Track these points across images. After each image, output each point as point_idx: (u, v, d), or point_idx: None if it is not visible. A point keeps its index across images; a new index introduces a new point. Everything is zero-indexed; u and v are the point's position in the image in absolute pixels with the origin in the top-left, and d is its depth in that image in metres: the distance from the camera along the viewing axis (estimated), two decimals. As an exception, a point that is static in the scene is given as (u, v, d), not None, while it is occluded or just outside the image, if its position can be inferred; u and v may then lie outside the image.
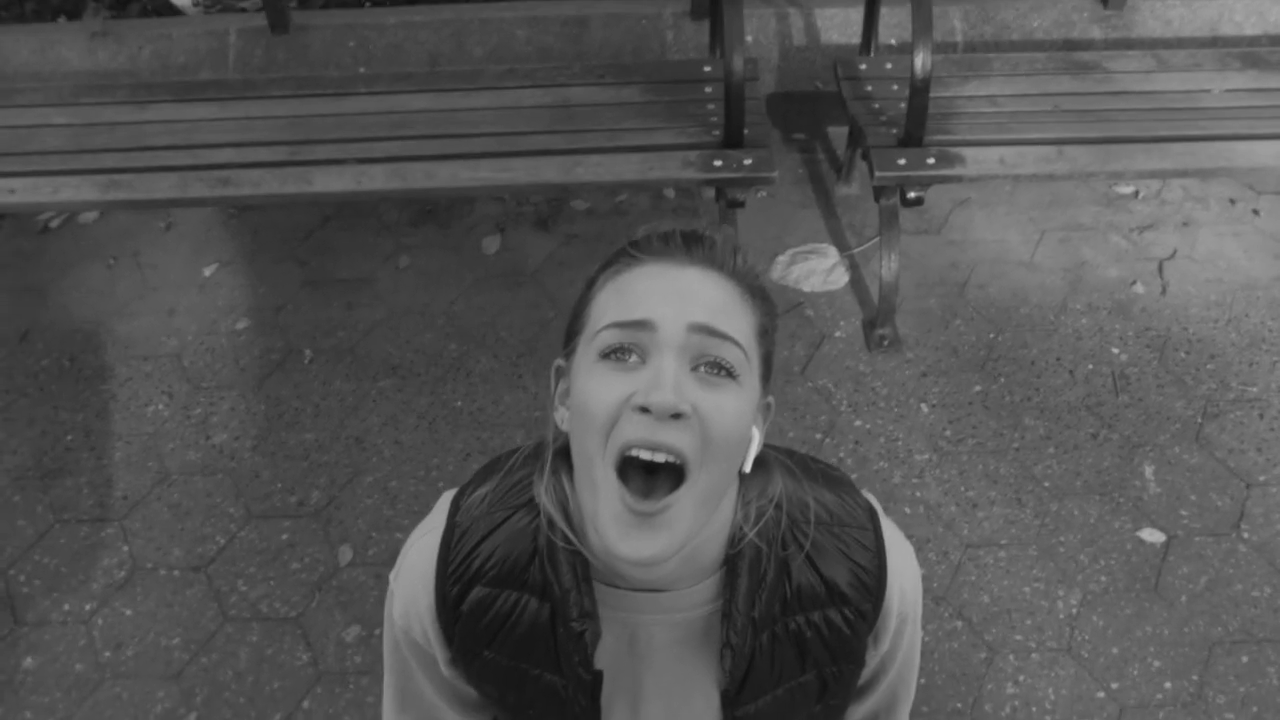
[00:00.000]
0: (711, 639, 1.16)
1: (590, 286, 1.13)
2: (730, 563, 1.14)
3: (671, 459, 1.00)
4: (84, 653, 2.58)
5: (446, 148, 3.09)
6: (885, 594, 1.20)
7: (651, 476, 1.02)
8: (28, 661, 2.57)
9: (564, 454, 1.13)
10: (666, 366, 1.01)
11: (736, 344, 1.05)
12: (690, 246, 1.09)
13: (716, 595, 1.15)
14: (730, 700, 1.16)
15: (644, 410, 1.00)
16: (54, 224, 3.72)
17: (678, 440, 1.00)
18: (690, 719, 1.20)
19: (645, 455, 1.00)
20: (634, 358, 1.03)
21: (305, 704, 2.48)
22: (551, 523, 1.12)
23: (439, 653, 1.21)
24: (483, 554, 1.15)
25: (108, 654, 2.58)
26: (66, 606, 2.67)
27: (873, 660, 1.25)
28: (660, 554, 1.01)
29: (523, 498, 1.16)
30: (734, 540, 1.14)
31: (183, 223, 3.72)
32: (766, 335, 1.12)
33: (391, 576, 1.23)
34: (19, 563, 2.76)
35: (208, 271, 3.54)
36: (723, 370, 1.04)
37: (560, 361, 1.15)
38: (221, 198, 3.01)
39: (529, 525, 1.14)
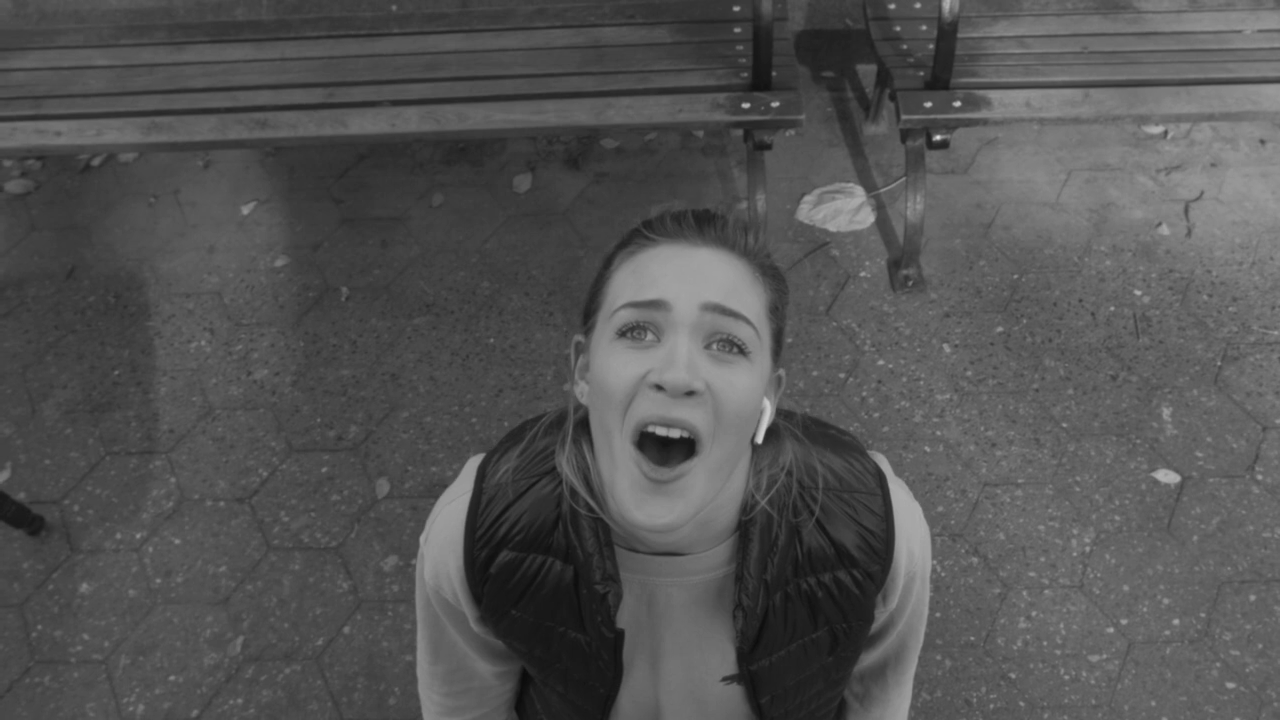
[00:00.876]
0: (726, 600, 1.23)
1: (607, 266, 1.17)
2: (743, 528, 1.19)
3: (685, 434, 1.06)
4: (136, 579, 2.72)
5: (478, 89, 3.12)
6: (893, 556, 1.25)
7: (666, 448, 1.07)
8: (84, 587, 2.70)
9: (584, 425, 1.19)
10: (680, 345, 1.06)
11: (748, 322, 1.09)
12: (702, 227, 1.13)
13: (730, 559, 1.21)
14: (745, 656, 1.23)
15: (659, 388, 1.05)
16: (95, 162, 3.80)
17: (691, 416, 1.05)
18: (707, 673, 1.26)
19: (661, 431, 1.05)
20: (649, 336, 1.08)
21: (346, 629, 2.61)
22: (574, 491, 1.18)
23: (468, 611, 1.27)
24: (509, 520, 1.21)
25: (159, 580, 2.71)
26: (119, 535, 2.80)
27: (882, 615, 1.31)
28: (675, 521, 1.07)
29: (545, 466, 1.21)
30: (747, 507, 1.19)
31: (221, 161, 3.78)
32: (777, 312, 1.16)
33: (421, 539, 1.29)
34: (73, 493, 2.88)
35: (246, 210, 3.61)
36: (735, 347, 1.09)
37: (579, 338, 1.20)
38: (260, 140, 3.06)
39: (552, 493, 1.20)
